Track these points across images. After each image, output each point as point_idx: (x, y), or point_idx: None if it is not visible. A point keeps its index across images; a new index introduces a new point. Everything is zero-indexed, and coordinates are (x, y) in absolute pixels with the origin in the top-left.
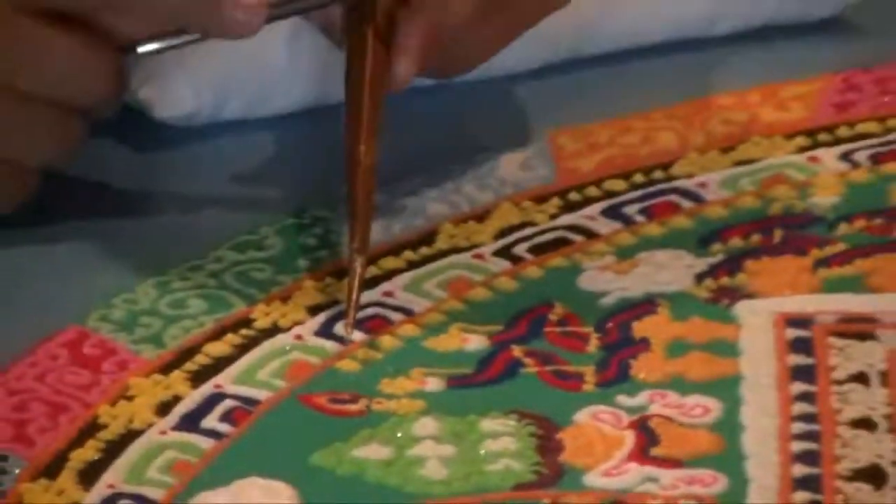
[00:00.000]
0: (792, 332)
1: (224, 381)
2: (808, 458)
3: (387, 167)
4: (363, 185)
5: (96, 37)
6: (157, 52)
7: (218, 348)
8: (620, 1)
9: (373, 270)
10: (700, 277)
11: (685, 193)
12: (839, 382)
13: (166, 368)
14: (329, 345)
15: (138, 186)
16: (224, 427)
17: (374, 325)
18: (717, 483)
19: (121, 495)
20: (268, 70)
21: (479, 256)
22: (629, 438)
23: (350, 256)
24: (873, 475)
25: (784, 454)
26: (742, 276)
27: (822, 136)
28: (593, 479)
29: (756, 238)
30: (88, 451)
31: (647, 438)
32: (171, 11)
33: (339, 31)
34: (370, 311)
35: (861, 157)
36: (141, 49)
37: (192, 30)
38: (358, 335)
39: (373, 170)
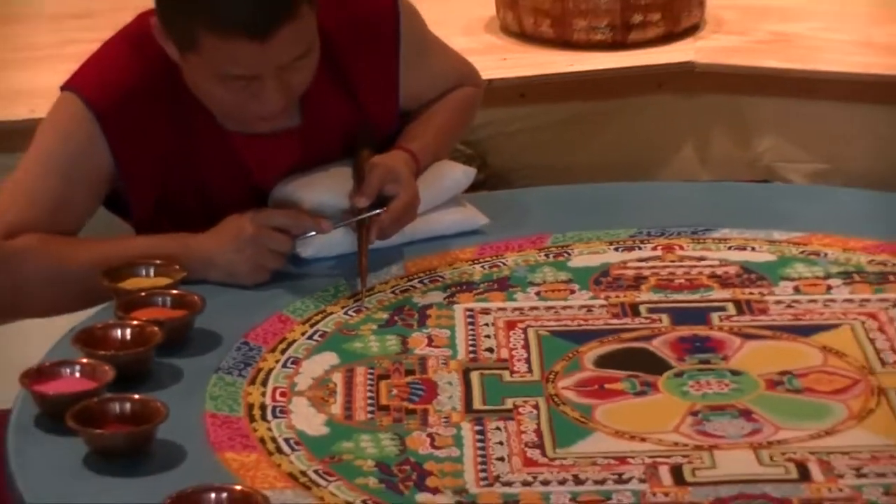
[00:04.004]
0: (468, 314)
1: (321, 327)
2: (472, 351)
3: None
4: (364, 270)
5: (288, 233)
6: (303, 237)
7: (317, 318)
8: (431, 224)
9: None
10: (446, 298)
11: (454, 281)
12: (482, 326)
13: (304, 323)
14: (346, 316)
15: (296, 272)
16: (319, 339)
17: (358, 311)
18: (450, 353)
19: (291, 357)
20: (336, 241)
21: (384, 294)
22: (425, 341)
23: (361, 287)
24: (503, 365)
25: (468, 346)
26: (455, 298)
27: (485, 263)
28: (417, 352)
29: (459, 289)
30: (282, 345)
31: (430, 340)
32: (307, 230)
33: (355, 227)
34: (358, 306)
35: (500, 265)
36: (299, 238)
37: (313, 231)
38: (355, 314)
39: (367, 267)
